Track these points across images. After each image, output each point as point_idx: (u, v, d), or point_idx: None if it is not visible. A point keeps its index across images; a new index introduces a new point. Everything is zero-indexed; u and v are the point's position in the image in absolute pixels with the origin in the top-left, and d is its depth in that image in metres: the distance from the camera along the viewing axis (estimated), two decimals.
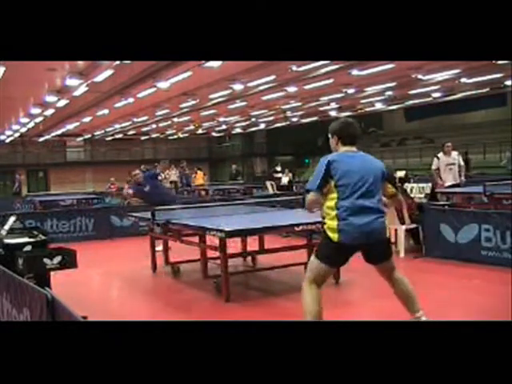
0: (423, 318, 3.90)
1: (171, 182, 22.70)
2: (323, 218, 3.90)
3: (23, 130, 27.41)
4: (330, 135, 4.05)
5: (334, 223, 3.74)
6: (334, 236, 3.72)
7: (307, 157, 35.24)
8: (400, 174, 9.42)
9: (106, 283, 7.49)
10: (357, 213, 3.72)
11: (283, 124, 32.43)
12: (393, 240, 8.08)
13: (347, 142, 3.99)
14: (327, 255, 3.82)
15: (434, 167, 10.66)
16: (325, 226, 3.85)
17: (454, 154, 10.63)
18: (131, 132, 33.18)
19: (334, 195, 3.78)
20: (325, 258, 3.82)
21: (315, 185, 3.78)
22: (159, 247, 7.68)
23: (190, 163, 24.36)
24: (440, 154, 10.61)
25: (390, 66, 14.77)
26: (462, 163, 10.81)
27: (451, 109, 26.56)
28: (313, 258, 3.93)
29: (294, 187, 19.26)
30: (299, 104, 23.99)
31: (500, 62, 13.70)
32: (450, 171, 10.45)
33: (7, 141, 32.77)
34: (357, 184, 3.76)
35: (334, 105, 25.17)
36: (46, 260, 4.51)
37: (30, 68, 12.54)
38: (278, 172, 26.80)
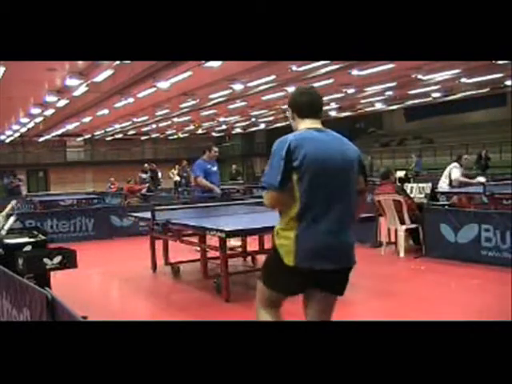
0: None
1: (175, 182, 22.79)
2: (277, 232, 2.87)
3: (23, 130, 27.45)
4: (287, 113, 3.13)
5: (290, 240, 2.76)
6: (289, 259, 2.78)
7: None
8: (400, 174, 9.43)
9: (106, 283, 7.48)
10: (326, 225, 2.73)
11: (283, 124, 32.45)
12: (393, 240, 8.10)
13: (306, 114, 2.99)
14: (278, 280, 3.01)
15: (458, 177, 10.40)
16: (277, 242, 2.85)
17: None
18: (131, 132, 33.24)
19: (297, 195, 2.74)
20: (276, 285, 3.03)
21: (276, 180, 2.71)
22: None
23: (190, 163, 24.37)
24: (457, 164, 10.52)
25: (390, 65, 14.80)
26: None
27: (451, 109, 26.62)
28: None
29: None
30: None
31: (500, 62, 13.72)
32: None
33: (7, 141, 32.82)
34: (331, 181, 2.74)
35: (334, 105, 25.20)
36: (45, 260, 4.52)
37: (30, 68, 12.57)
38: None
